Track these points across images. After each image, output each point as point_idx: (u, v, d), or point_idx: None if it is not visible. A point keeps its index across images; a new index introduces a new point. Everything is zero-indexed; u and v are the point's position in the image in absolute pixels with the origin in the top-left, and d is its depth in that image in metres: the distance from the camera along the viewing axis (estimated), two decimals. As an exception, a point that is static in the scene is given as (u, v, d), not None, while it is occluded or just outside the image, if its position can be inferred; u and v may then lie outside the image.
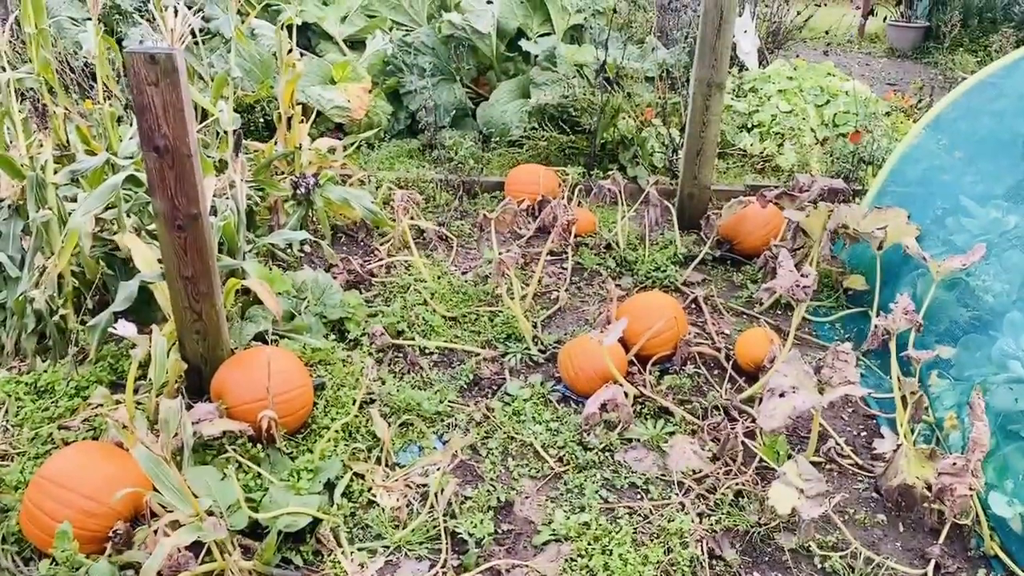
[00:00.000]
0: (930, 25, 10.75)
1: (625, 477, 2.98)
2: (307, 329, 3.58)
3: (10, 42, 4.88)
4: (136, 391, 3.07)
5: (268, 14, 6.44)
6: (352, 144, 5.76)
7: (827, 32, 12.28)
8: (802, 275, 3.13)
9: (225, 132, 4.16)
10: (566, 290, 4.24)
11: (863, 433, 3.29)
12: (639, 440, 3.15)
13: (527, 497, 2.90)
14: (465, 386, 3.50)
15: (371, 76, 6.27)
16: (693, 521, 2.75)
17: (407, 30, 6.89)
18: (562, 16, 6.74)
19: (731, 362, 3.64)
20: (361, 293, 4.13)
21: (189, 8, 4.44)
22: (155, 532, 2.38)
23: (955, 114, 4.01)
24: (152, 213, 3.27)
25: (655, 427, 3.19)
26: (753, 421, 3.22)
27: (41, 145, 3.55)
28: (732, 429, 3.08)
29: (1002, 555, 2.66)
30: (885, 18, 11.58)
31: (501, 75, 6.60)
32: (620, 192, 4.65)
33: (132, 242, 3.30)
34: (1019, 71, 3.80)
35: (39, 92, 3.90)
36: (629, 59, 6.22)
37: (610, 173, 4.94)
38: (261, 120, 6.12)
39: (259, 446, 2.88)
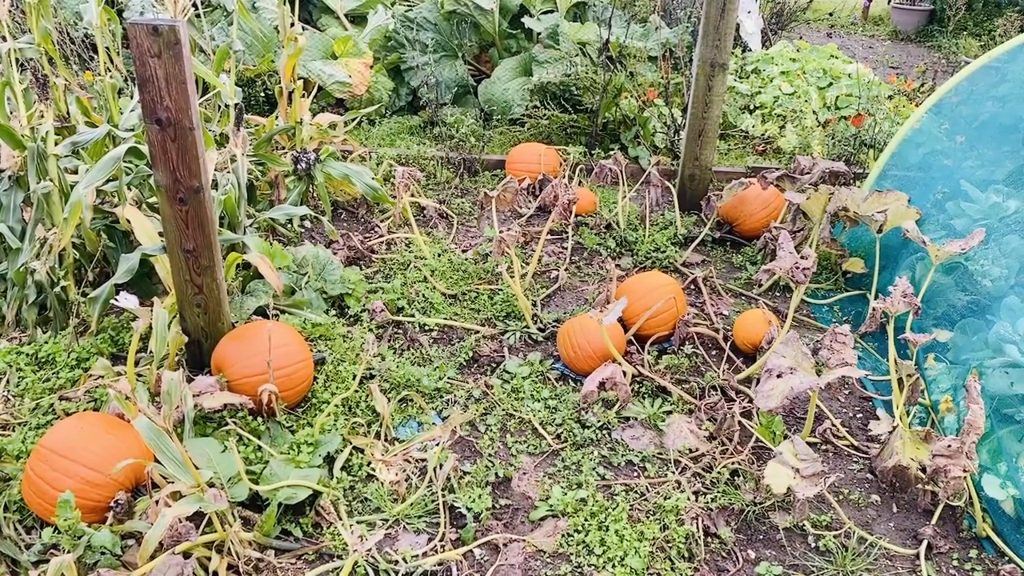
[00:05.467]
0: (934, 8, 10.69)
1: (622, 455, 3.01)
2: (307, 304, 3.59)
3: (10, 12, 4.84)
4: (137, 363, 3.08)
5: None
6: (353, 120, 5.75)
7: (831, 14, 12.21)
8: (802, 257, 3.14)
9: (226, 106, 4.14)
10: (566, 269, 4.25)
11: (859, 415, 3.31)
12: (636, 418, 3.17)
13: (525, 473, 2.93)
14: (464, 363, 3.51)
15: (372, 51, 6.23)
16: (689, 499, 2.78)
17: (409, 5, 6.85)
18: (565, -7, 6.70)
19: (729, 343, 3.66)
20: (361, 269, 4.14)
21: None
22: (156, 503, 2.41)
23: (957, 98, 4.01)
24: (153, 186, 3.27)
25: (653, 406, 3.21)
26: (750, 401, 3.24)
27: (42, 116, 3.54)
28: (729, 409, 3.10)
29: (994, 536, 2.69)
30: (889, 0, 11.52)
31: (503, 52, 6.56)
32: (621, 172, 4.65)
33: (133, 215, 3.30)
34: (1022, 56, 3.79)
35: (39, 63, 3.89)
36: (632, 38, 6.19)
37: (611, 153, 4.94)
38: (262, 94, 6.09)
39: (259, 419, 2.90)
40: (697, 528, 2.68)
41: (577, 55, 5.83)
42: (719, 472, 2.91)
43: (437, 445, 2.95)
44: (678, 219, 4.70)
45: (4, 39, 3.61)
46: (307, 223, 4.56)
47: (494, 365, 3.52)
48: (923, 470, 2.76)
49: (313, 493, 2.66)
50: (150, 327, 2.95)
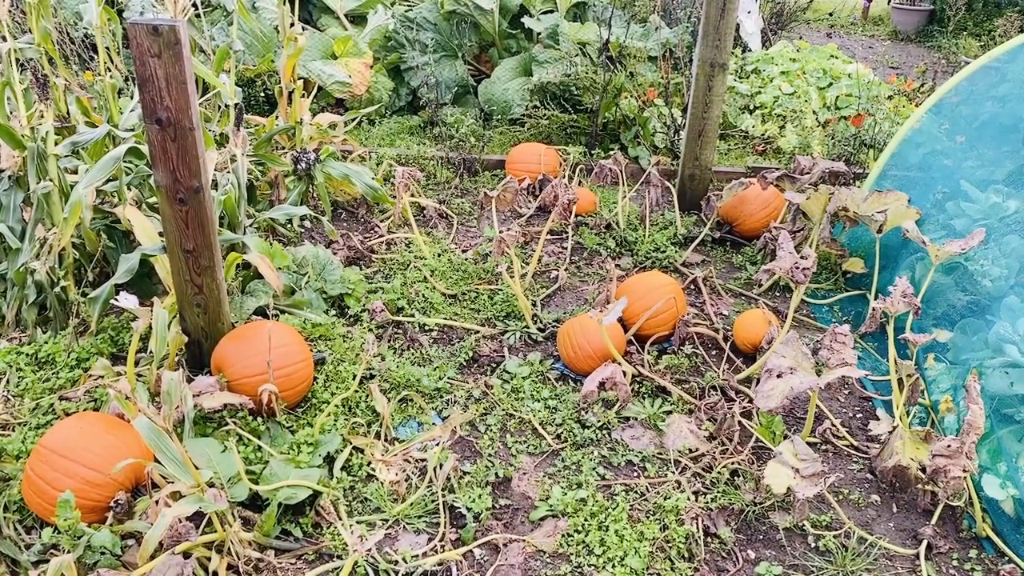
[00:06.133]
0: (934, 8, 10.69)
1: (622, 455, 3.01)
2: (307, 304, 3.59)
3: (10, 12, 4.84)
4: (137, 363, 3.08)
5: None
6: (353, 120, 5.75)
7: (831, 14, 12.21)
8: (802, 257, 3.14)
9: (226, 106, 4.14)
10: (566, 269, 4.25)
11: (859, 415, 3.31)
12: (636, 418, 3.17)
13: (525, 473, 2.93)
14: (464, 363, 3.51)
15: (372, 51, 6.23)
16: (689, 499, 2.78)
17: (409, 5, 6.85)
18: (565, -7, 6.70)
19: (729, 343, 3.66)
20: (361, 269, 4.14)
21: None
22: (156, 503, 2.41)
23: (957, 98, 4.01)
24: (153, 186, 3.27)
25: (652, 406, 3.21)
26: (750, 401, 3.24)
27: (42, 116, 3.54)
28: (729, 409, 3.10)
29: (993, 536, 2.69)
30: (889, 0, 11.52)
31: (503, 52, 6.56)
32: (621, 172, 4.65)
33: (133, 215, 3.30)
34: (1022, 56, 3.79)
35: (39, 63, 3.89)
36: (632, 38, 6.19)
37: (611, 153, 4.94)
38: (262, 94, 6.09)
39: (259, 419, 2.90)
40: (697, 528, 2.68)
41: (577, 55, 5.83)
42: (719, 472, 2.91)
43: (437, 445, 2.95)
44: (678, 219, 4.70)
45: (4, 39, 3.61)
46: (307, 223, 4.56)
47: (494, 365, 3.52)
48: (923, 470, 2.76)
49: (313, 493, 2.66)
50: (150, 327, 2.95)
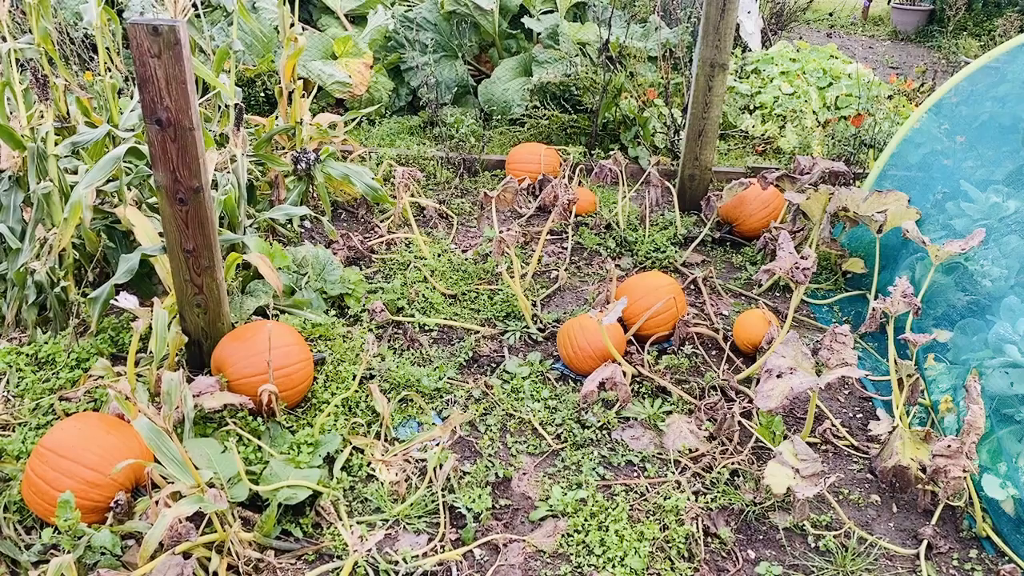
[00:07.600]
0: (934, 8, 10.69)
1: (622, 455, 3.01)
2: (307, 304, 3.59)
3: (10, 12, 4.84)
4: (137, 363, 3.08)
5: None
6: (353, 120, 5.75)
7: (831, 14, 12.21)
8: (802, 257, 3.14)
9: (226, 106, 4.14)
10: (566, 269, 4.25)
11: (859, 415, 3.31)
12: (636, 419, 3.17)
13: (525, 473, 2.93)
14: (464, 363, 3.51)
15: (372, 51, 6.23)
16: (689, 499, 2.78)
17: (409, 5, 6.85)
18: (565, -7, 6.70)
19: (729, 343, 3.66)
20: (361, 269, 4.14)
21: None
22: (156, 503, 2.40)
23: (957, 98, 4.01)
24: (153, 186, 3.27)
25: (652, 406, 3.21)
26: (750, 401, 3.24)
27: (42, 116, 3.54)
28: (729, 409, 3.10)
29: (993, 536, 2.69)
30: (889, 0, 11.52)
31: (503, 52, 6.56)
32: (621, 172, 4.65)
33: (133, 215, 3.30)
34: (1022, 56, 3.79)
35: (39, 63, 3.89)
36: (632, 38, 6.19)
37: (611, 153, 4.94)
38: (262, 95, 6.09)
39: (259, 419, 2.90)
40: (697, 528, 2.68)
41: (577, 55, 5.83)
42: (719, 472, 2.91)
43: (437, 445, 2.95)
44: (678, 219, 4.70)
45: (4, 39, 3.61)
46: (307, 223, 4.56)
47: (494, 365, 3.52)
48: (923, 470, 2.76)
49: (313, 493, 2.66)
50: (150, 327, 2.95)
